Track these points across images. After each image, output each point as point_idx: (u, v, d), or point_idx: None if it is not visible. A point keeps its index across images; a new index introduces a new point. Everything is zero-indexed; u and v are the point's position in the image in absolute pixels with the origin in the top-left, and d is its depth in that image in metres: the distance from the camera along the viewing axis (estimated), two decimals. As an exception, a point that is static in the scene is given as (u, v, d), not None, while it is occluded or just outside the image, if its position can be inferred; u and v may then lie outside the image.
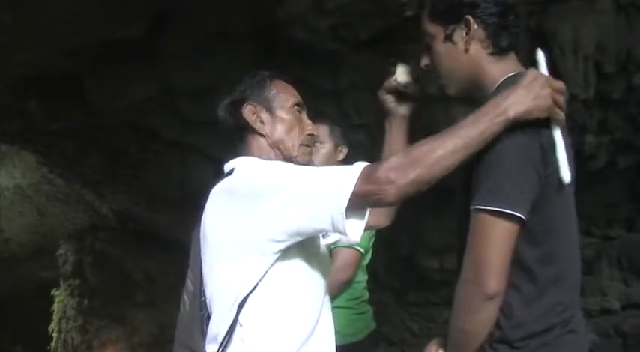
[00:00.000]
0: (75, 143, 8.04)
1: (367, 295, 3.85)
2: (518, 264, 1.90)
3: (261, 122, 2.16)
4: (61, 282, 12.70)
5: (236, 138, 2.18)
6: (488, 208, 1.84)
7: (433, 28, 2.11)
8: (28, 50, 5.50)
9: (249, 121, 2.15)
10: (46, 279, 12.97)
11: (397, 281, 7.63)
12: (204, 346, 2.02)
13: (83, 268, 12.12)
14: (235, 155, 2.16)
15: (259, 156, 2.13)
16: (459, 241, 2.01)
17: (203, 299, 2.05)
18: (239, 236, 1.94)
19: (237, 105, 2.17)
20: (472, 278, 1.86)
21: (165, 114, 6.95)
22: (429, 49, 2.14)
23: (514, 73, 2.04)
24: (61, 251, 12.60)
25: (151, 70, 6.20)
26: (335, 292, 3.63)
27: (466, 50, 2.05)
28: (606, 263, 7.49)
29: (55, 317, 12.75)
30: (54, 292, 12.81)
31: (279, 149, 2.15)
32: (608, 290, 7.41)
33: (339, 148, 3.89)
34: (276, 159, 2.12)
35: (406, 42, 5.39)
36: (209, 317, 2.03)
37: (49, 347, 12.68)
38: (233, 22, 5.51)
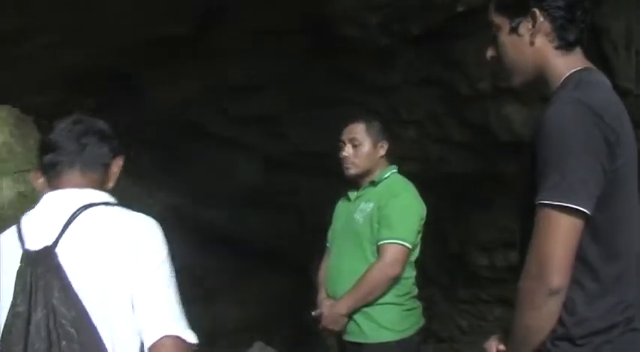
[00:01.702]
0: (125, 139, 8.10)
1: (416, 291, 3.83)
2: (581, 260, 1.88)
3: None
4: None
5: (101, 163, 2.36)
6: (553, 203, 1.83)
7: (499, 19, 2.11)
8: (79, 48, 5.58)
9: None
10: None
11: (446, 278, 7.57)
12: None
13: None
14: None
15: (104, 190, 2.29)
16: (521, 236, 2.00)
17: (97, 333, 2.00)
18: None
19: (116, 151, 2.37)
20: (536, 273, 1.85)
21: (212, 110, 7.01)
22: (495, 40, 2.14)
23: (580, 68, 2.02)
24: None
25: (199, 68, 6.26)
26: (384, 288, 3.63)
27: (531, 43, 2.05)
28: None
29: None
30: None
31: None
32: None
33: (379, 144, 3.82)
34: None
35: (457, 37, 5.36)
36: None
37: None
38: (281, 20, 5.53)
